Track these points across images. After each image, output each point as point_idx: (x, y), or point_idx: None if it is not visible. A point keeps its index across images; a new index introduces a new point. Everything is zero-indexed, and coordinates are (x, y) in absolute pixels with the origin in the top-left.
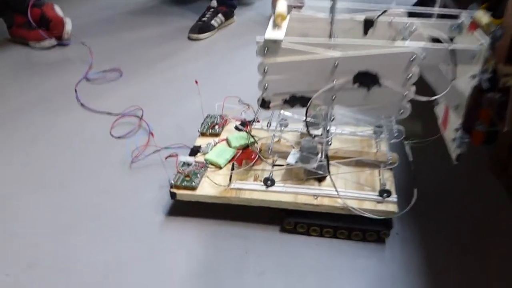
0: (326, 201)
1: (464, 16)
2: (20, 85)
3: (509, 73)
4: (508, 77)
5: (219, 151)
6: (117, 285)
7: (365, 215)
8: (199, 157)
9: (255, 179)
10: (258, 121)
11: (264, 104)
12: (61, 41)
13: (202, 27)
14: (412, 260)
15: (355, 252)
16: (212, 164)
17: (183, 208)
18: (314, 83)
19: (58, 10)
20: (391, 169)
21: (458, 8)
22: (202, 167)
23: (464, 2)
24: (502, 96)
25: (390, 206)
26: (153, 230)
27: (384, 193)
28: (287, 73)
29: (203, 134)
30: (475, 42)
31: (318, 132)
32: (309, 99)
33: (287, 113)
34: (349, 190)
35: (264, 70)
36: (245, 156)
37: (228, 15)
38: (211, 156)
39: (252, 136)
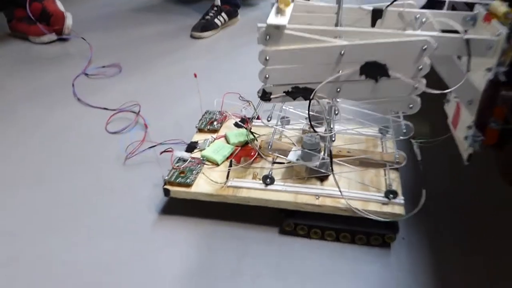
0: (328, 202)
1: (479, 8)
2: (17, 79)
3: None
4: None
5: (216, 148)
6: (104, 285)
7: (370, 217)
8: (196, 154)
9: (254, 177)
10: (258, 118)
11: (265, 95)
12: (61, 36)
13: (205, 25)
14: (419, 266)
15: (358, 256)
16: (209, 160)
17: (178, 207)
18: (318, 74)
19: (59, 4)
20: (397, 169)
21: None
22: (198, 164)
23: (472, 4)
24: None
25: (397, 208)
26: (144, 228)
27: (390, 194)
28: (290, 62)
29: (200, 130)
30: (491, 34)
31: (321, 130)
32: (312, 91)
33: (289, 107)
34: (353, 190)
35: (266, 58)
36: (244, 153)
37: (232, 14)
38: (208, 152)
39: (252, 133)
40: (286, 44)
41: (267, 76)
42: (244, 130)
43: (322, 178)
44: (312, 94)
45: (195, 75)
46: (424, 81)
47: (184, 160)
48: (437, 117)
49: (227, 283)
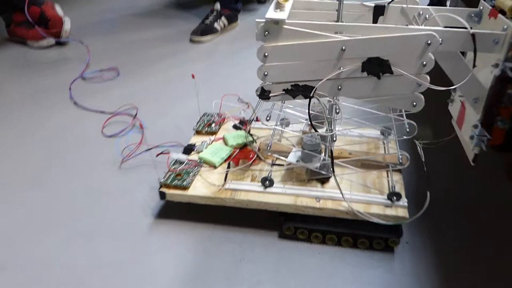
0: (329, 204)
1: (484, 3)
2: (14, 82)
3: None
4: None
5: (214, 150)
6: None
7: (372, 221)
8: (193, 156)
9: (253, 179)
10: (257, 120)
11: (264, 94)
12: (59, 39)
13: (205, 29)
14: (423, 271)
15: (360, 261)
16: (206, 163)
17: (174, 210)
18: (319, 71)
19: (58, 9)
20: (400, 170)
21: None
22: (195, 166)
23: (475, 3)
24: None
25: (400, 210)
26: (139, 232)
27: (393, 196)
28: (289, 58)
29: (198, 132)
30: (498, 29)
31: (322, 131)
32: (312, 88)
33: (288, 108)
34: (354, 192)
35: (264, 55)
36: (243, 156)
37: (232, 19)
38: (206, 154)
39: (251, 135)
40: (286, 39)
41: (265, 73)
42: (243, 132)
43: (323, 180)
44: (312, 92)
45: (193, 76)
46: (428, 77)
47: (181, 162)
48: (440, 118)
49: None
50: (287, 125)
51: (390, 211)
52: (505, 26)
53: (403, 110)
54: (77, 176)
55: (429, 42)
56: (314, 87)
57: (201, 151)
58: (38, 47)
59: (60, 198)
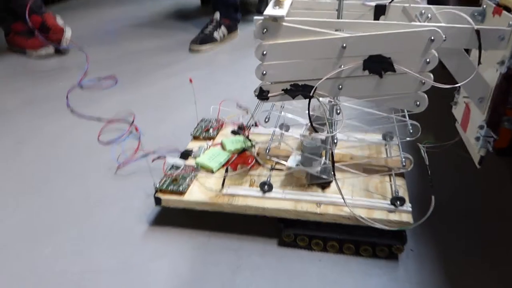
0: (330, 210)
1: (487, 2)
2: (12, 91)
3: None
4: None
5: (212, 155)
6: None
7: (376, 226)
8: (190, 161)
9: (251, 184)
10: (256, 125)
11: (262, 94)
12: (59, 46)
13: (204, 39)
14: (429, 279)
15: (363, 270)
16: (203, 168)
17: (170, 217)
18: (319, 69)
19: (59, 19)
20: (404, 175)
21: None
22: (192, 171)
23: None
24: None
25: (404, 216)
26: (134, 239)
27: (396, 201)
28: (289, 57)
29: (196, 138)
30: (503, 26)
31: (323, 135)
32: (312, 88)
33: (288, 114)
34: (356, 197)
35: (263, 53)
36: (241, 161)
37: (232, 29)
38: (203, 159)
39: (249, 139)
40: (285, 37)
41: (264, 72)
42: (241, 137)
43: (324, 185)
44: (312, 91)
45: (191, 80)
46: (431, 75)
47: (177, 167)
48: (444, 122)
49: None
50: (287, 130)
51: (393, 216)
52: (510, 22)
53: (406, 111)
54: (73, 183)
55: (432, 38)
56: (314, 86)
57: (199, 156)
58: (37, 56)
59: (55, 205)
